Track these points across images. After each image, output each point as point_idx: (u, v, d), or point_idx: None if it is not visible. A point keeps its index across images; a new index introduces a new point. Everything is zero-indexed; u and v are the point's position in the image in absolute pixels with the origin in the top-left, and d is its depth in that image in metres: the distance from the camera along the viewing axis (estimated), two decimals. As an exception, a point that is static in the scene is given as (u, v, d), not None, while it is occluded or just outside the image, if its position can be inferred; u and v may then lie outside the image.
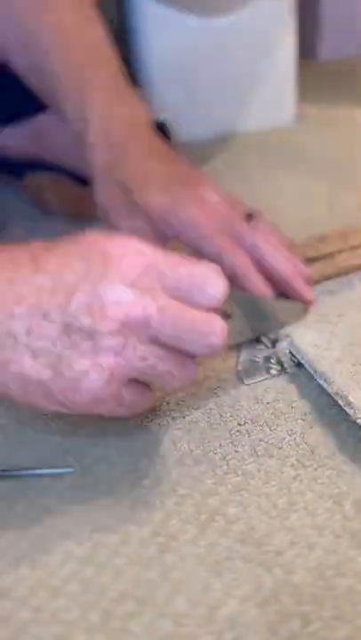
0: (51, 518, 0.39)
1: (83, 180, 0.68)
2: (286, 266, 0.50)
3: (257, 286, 0.48)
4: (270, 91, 0.87)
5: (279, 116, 0.89)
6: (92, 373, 0.34)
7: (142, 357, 0.35)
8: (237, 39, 0.82)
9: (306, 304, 0.51)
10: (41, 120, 0.67)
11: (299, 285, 0.50)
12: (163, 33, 0.80)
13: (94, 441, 0.44)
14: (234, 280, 0.47)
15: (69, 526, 0.39)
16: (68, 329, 0.34)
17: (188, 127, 0.86)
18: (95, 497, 0.40)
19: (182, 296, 0.36)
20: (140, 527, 0.38)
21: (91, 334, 0.34)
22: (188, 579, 0.36)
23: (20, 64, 0.55)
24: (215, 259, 0.46)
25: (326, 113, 0.92)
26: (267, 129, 0.88)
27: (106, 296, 0.34)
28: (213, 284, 0.36)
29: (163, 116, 0.67)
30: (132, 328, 0.34)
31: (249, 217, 0.51)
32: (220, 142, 0.86)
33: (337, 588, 0.34)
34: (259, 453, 0.42)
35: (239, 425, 0.44)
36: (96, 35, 0.54)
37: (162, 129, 0.63)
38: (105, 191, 0.52)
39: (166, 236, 0.50)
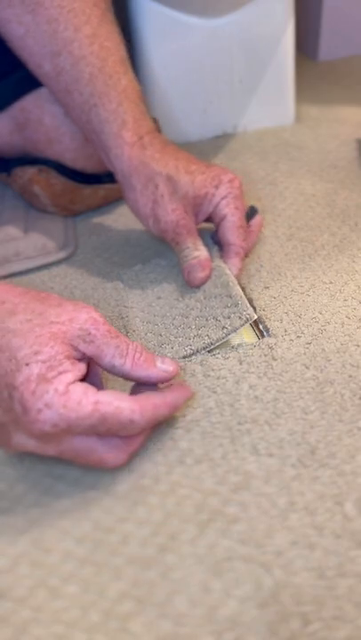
0: (51, 518, 0.39)
1: (69, 173, 0.68)
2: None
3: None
4: (270, 90, 0.87)
5: (279, 116, 0.89)
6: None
7: None
8: (237, 39, 0.82)
9: None
10: (22, 108, 0.67)
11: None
12: (163, 33, 0.80)
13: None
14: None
15: (69, 526, 0.39)
16: None
17: (188, 127, 0.86)
18: (95, 497, 0.40)
19: None
20: (140, 527, 0.38)
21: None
22: (188, 579, 0.35)
23: (44, 66, 0.59)
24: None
25: (326, 113, 0.92)
26: (267, 129, 0.88)
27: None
28: None
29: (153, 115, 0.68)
30: None
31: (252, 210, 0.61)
32: (220, 142, 0.86)
33: (337, 588, 0.34)
34: (259, 453, 0.42)
35: (239, 424, 0.44)
36: (121, 46, 0.60)
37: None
38: (140, 187, 0.56)
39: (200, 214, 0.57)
